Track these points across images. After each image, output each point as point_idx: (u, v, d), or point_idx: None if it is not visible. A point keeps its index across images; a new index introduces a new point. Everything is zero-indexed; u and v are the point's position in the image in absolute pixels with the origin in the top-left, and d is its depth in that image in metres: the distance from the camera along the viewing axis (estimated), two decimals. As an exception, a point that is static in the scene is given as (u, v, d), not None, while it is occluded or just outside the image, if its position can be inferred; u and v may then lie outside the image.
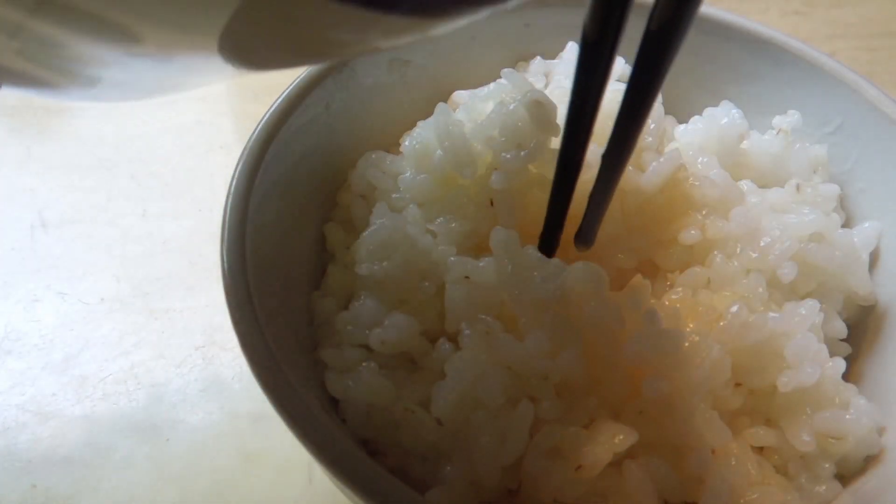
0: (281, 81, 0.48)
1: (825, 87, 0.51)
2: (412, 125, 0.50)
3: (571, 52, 0.55)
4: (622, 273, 0.45)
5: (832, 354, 0.43)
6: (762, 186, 0.50)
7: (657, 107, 0.49)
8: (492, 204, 0.45)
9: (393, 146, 0.52)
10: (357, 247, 0.45)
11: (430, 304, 0.44)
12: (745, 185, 0.49)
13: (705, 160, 0.48)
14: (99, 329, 0.59)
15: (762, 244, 0.45)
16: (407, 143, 0.49)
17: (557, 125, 0.45)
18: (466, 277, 0.42)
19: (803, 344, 0.41)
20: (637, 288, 0.42)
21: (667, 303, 0.43)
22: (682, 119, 0.53)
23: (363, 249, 0.45)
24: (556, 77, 0.54)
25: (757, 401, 0.42)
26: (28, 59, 0.19)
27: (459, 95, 0.54)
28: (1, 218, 0.67)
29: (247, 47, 0.21)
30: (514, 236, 0.42)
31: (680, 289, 0.44)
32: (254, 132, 0.45)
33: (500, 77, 0.49)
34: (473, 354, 0.39)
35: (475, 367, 0.39)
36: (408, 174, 0.47)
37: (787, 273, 0.44)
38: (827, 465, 0.41)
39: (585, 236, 0.42)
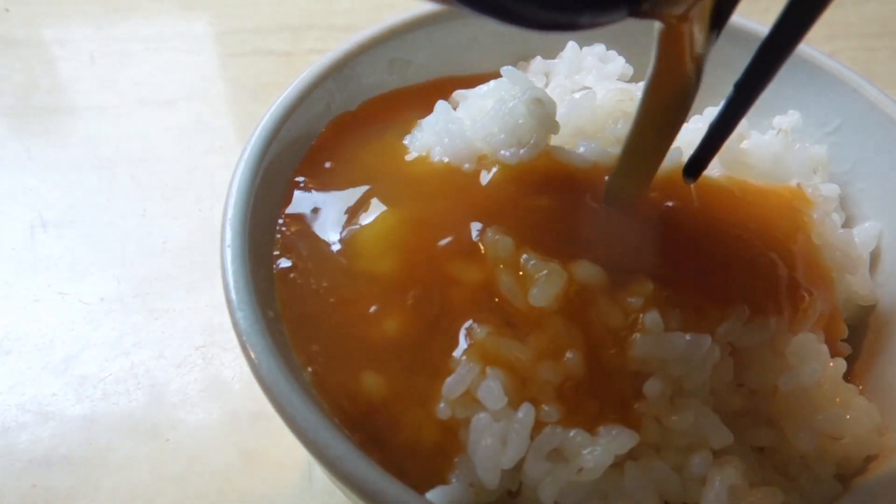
0: (281, 81, 0.48)
1: (825, 87, 0.51)
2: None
3: (571, 51, 0.54)
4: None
5: (833, 355, 0.43)
6: (762, 186, 0.50)
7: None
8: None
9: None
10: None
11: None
12: (745, 184, 0.49)
13: (706, 160, 0.48)
14: (99, 329, 0.59)
15: (762, 244, 0.45)
16: (406, 140, 0.49)
17: (557, 122, 0.45)
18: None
19: (804, 344, 0.41)
20: (638, 288, 0.41)
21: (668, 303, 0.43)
22: (683, 119, 0.53)
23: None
24: (556, 76, 0.54)
25: (757, 401, 0.42)
26: None
27: (460, 94, 0.54)
28: (1, 218, 0.67)
29: None
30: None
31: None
32: (254, 132, 0.45)
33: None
34: (474, 355, 0.39)
35: (475, 368, 0.39)
36: (407, 173, 0.47)
37: (788, 273, 0.44)
38: (827, 465, 0.41)
39: (696, 169, 0.40)
